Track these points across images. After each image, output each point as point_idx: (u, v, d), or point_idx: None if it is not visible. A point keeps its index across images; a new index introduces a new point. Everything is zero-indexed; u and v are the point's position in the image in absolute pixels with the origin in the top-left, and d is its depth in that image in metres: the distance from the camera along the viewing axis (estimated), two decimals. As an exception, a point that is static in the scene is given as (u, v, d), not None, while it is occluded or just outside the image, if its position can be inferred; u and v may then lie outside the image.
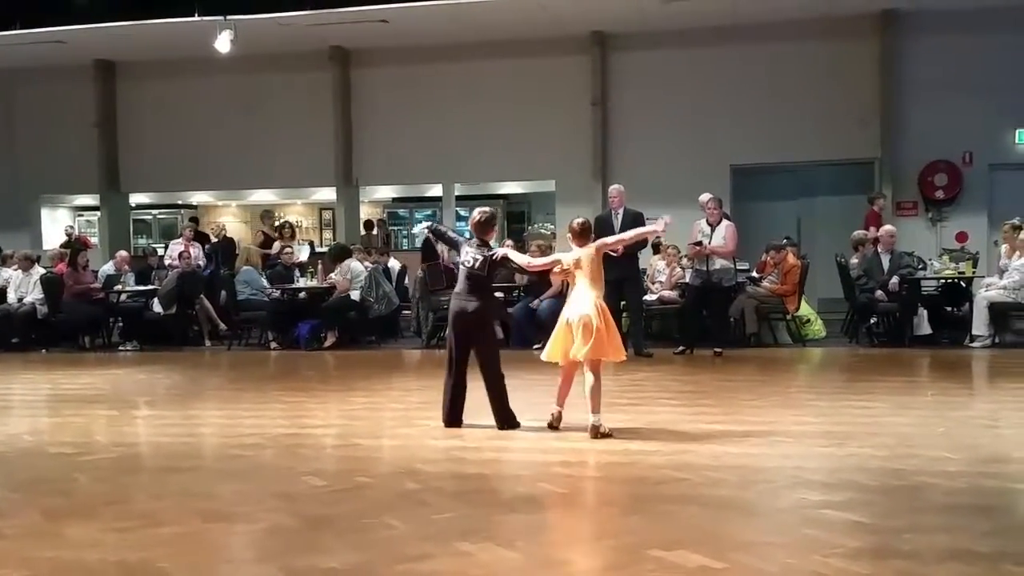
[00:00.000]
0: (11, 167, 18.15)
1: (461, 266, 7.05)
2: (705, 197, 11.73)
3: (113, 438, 7.27)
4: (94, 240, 18.72)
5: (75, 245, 15.71)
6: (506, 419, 6.89)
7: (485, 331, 6.98)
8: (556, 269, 7.02)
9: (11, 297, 14.07)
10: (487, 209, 7.36)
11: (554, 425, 6.79)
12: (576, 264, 6.74)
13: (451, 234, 7.70)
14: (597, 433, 6.47)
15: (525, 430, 6.85)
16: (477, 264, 6.91)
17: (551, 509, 5.08)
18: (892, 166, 15.08)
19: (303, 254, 15.17)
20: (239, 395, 9.45)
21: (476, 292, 6.93)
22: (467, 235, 7.46)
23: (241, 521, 4.86)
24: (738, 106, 15.50)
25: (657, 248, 13.13)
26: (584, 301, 6.61)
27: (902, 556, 4.04)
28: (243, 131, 17.31)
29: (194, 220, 18.52)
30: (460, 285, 7.03)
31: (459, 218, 19.18)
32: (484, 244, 7.06)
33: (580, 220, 7.00)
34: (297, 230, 17.39)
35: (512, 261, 7.05)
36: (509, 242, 12.23)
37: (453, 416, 7.00)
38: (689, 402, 8.27)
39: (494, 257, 6.93)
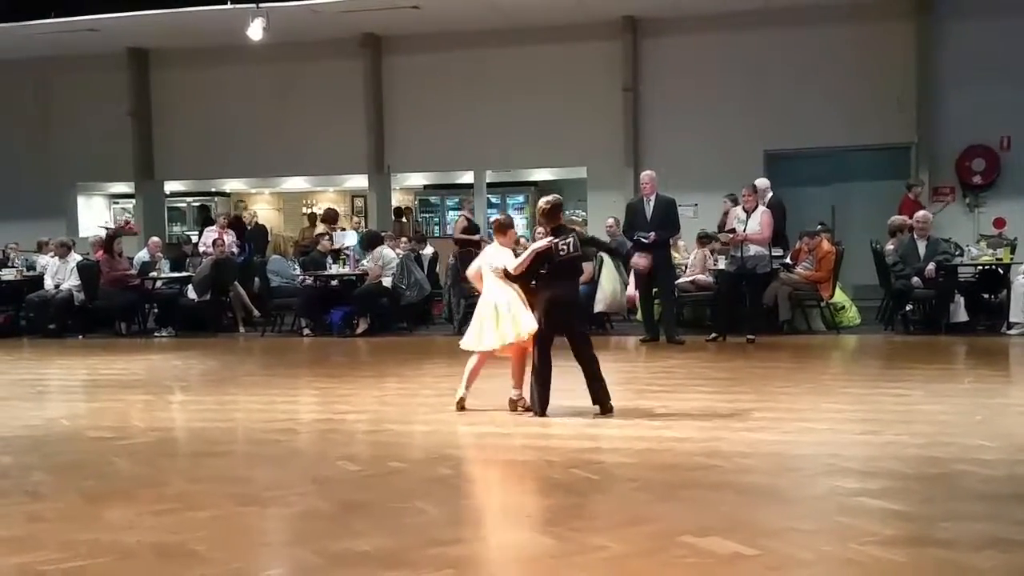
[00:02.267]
0: (46, 155, 18.34)
1: (555, 256, 6.92)
2: (762, 185, 11.96)
3: (149, 423, 7.35)
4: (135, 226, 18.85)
5: (119, 233, 15.92)
6: (603, 401, 6.86)
7: (575, 316, 6.95)
8: None
9: (48, 284, 14.25)
10: (551, 197, 7.28)
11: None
12: None
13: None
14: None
15: (557, 416, 6.84)
16: (571, 248, 6.88)
17: (583, 495, 5.07)
18: (928, 151, 14.87)
19: (348, 239, 15.26)
20: (272, 381, 9.53)
21: (568, 278, 6.96)
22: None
23: (275, 505, 4.90)
24: (771, 91, 15.34)
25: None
26: None
27: (939, 544, 4.00)
28: (275, 118, 17.39)
29: (205, 208, 18.63)
30: (553, 273, 6.99)
31: (490, 205, 19.20)
32: (560, 229, 7.02)
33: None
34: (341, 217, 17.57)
35: (594, 238, 7.20)
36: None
37: (544, 404, 6.92)
38: (722, 389, 8.22)
39: (582, 236, 6.97)
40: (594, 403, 6.88)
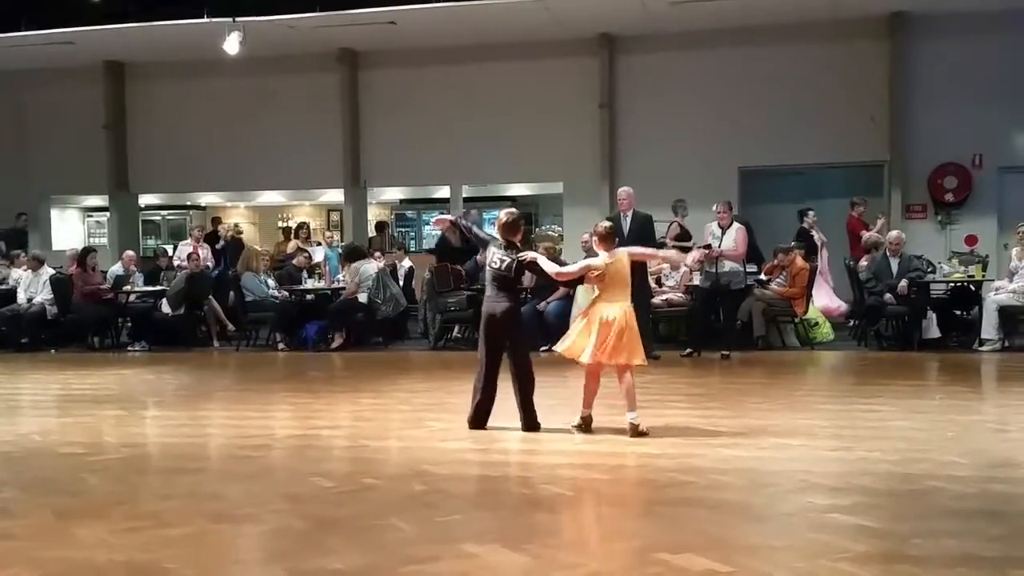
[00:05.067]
0: (20, 168, 18.20)
1: (488, 268, 7.04)
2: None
3: (122, 438, 7.29)
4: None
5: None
6: (531, 422, 6.87)
7: (516, 332, 6.96)
8: (592, 275, 6.89)
9: (20, 297, 14.12)
10: (514, 211, 7.30)
11: (585, 428, 6.81)
12: (607, 268, 6.80)
13: (483, 233, 7.63)
14: (636, 431, 6.59)
15: (531, 433, 6.83)
16: (504, 266, 6.90)
17: (558, 511, 5.08)
18: (901, 168, 15.04)
19: (317, 255, 15.24)
20: (247, 396, 9.48)
21: (505, 293, 6.94)
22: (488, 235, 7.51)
23: (248, 522, 4.87)
24: (746, 108, 15.47)
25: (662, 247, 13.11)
26: (617, 306, 6.69)
27: (910, 561, 4.03)
28: (251, 132, 17.35)
29: (216, 220, 18.53)
30: (489, 287, 7.03)
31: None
32: (512, 246, 7.02)
33: (607, 224, 7.10)
34: (313, 232, 17.55)
35: (540, 267, 6.96)
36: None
37: (478, 419, 6.96)
38: (696, 405, 8.26)
39: (523, 260, 6.90)
40: (521, 421, 6.88)
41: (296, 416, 8.28)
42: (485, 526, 4.70)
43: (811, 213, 14.13)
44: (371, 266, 13.38)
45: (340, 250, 14.79)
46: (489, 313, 6.96)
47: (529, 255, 6.99)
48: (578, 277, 7.13)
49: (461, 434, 6.93)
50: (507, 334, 6.93)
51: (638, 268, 11.54)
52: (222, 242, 16.52)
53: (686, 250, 10.93)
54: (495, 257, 6.96)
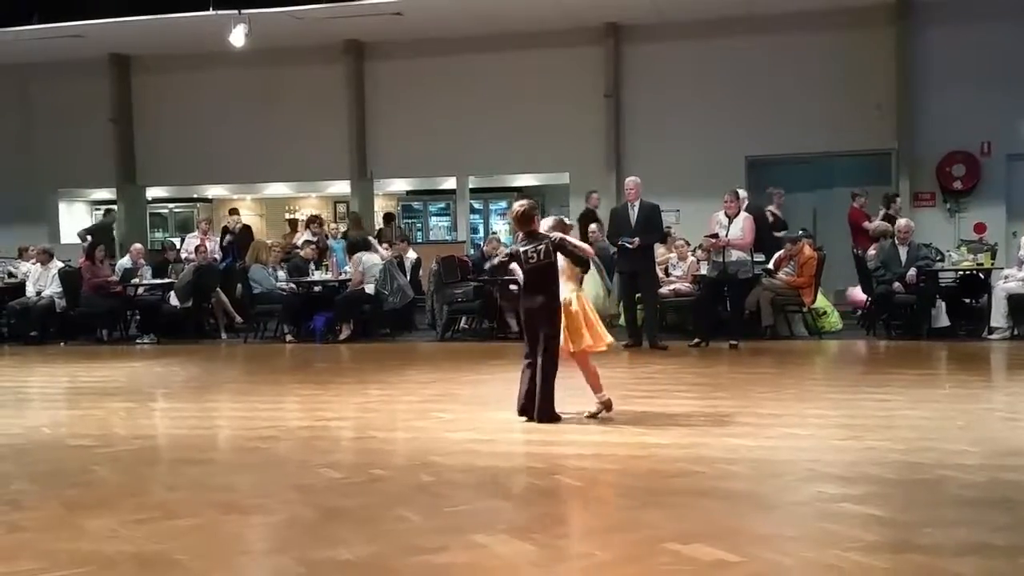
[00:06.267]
0: (28, 161, 18.25)
1: (519, 268, 6.96)
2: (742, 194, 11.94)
3: (131, 430, 7.30)
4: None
5: None
6: (546, 414, 6.83)
7: (550, 325, 6.92)
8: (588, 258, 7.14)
9: (30, 290, 14.16)
10: (525, 201, 7.24)
11: (607, 411, 6.93)
12: None
13: (495, 262, 7.52)
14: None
15: (540, 423, 6.83)
16: (541, 255, 6.85)
17: (566, 502, 5.07)
18: (909, 157, 14.99)
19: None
20: (255, 388, 9.49)
21: (540, 287, 6.90)
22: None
23: (257, 513, 4.88)
24: (753, 97, 15.43)
25: (664, 239, 13.10)
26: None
27: (920, 550, 4.01)
28: (258, 124, 17.36)
29: (233, 211, 18.48)
30: (524, 282, 7.00)
31: (473, 211, 19.21)
32: (533, 235, 6.97)
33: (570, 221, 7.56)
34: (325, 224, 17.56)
35: (569, 243, 6.96)
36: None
37: (528, 405, 6.90)
38: (704, 395, 8.24)
39: (554, 240, 6.87)
40: (535, 411, 6.86)
41: (304, 407, 8.29)
42: (493, 516, 4.70)
43: (899, 200, 13.96)
44: (373, 257, 13.38)
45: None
46: (526, 307, 6.98)
47: (557, 234, 6.96)
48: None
49: (468, 425, 6.94)
50: (542, 327, 6.88)
51: (646, 257, 11.58)
52: (229, 237, 16.46)
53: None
54: (526, 252, 6.88)
